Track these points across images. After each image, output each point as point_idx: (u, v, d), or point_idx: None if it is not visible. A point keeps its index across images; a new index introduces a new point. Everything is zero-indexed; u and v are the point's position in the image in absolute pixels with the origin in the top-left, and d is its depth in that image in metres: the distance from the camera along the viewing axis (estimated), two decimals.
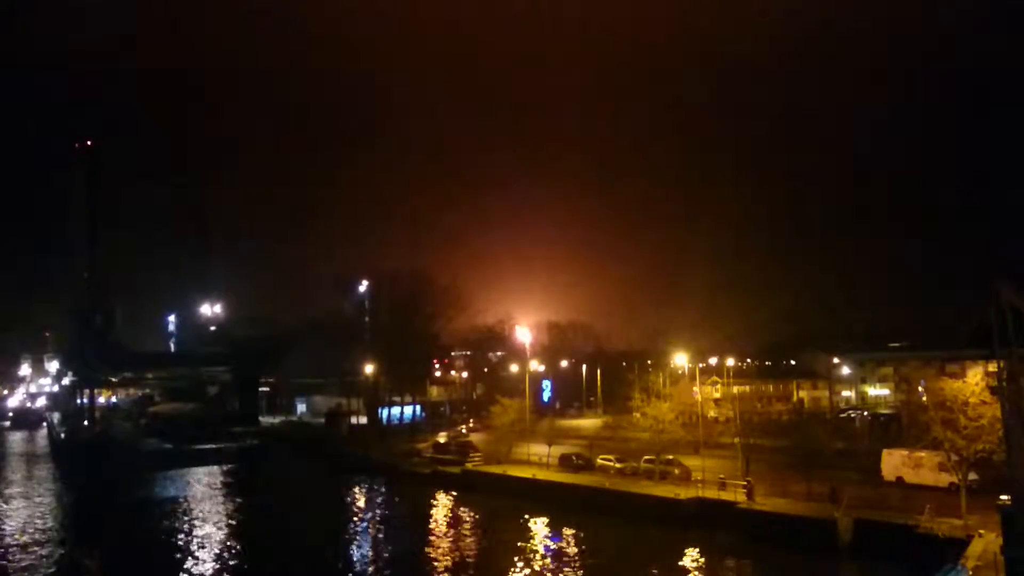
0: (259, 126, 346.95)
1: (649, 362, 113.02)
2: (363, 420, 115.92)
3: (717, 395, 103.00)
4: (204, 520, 61.95)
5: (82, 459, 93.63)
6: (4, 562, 49.34)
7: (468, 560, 47.75)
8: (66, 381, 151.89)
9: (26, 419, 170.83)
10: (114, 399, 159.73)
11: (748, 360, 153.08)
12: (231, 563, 48.44)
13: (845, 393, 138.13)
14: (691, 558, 45.82)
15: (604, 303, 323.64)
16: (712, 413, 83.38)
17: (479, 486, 68.51)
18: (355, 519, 64.47)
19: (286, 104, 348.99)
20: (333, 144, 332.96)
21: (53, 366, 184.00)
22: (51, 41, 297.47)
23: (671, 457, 62.89)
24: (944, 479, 50.20)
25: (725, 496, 52.79)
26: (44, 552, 52.02)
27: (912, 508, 44.81)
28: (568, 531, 53.46)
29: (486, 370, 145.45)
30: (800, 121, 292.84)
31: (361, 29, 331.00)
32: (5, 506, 69.78)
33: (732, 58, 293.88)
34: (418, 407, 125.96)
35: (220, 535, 56.95)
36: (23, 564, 48.71)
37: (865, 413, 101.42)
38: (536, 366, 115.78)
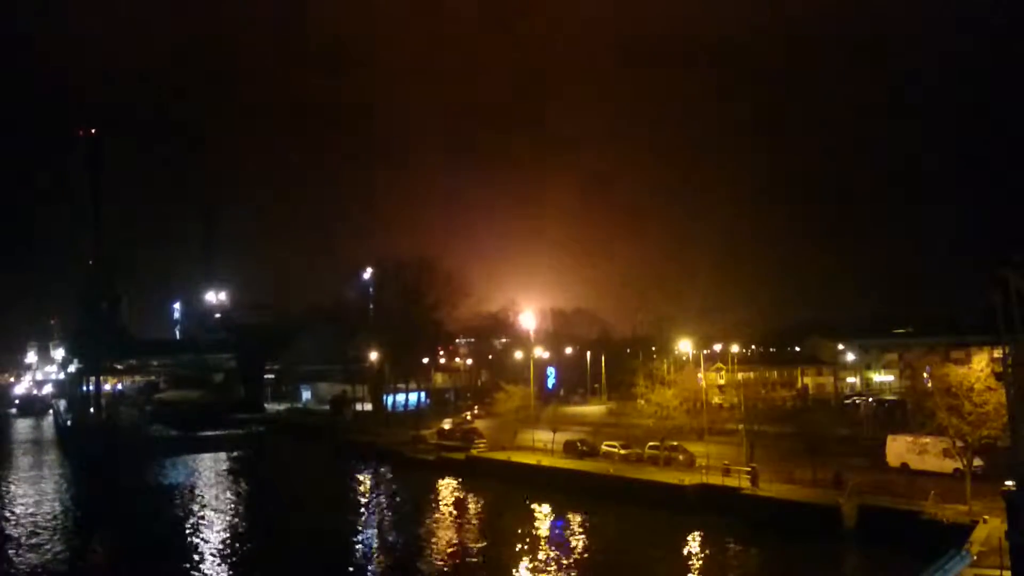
0: (262, 116, 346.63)
1: (653, 349, 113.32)
2: (368, 407, 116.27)
3: (721, 381, 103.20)
4: (209, 506, 62.20)
5: (88, 446, 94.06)
6: (13, 547, 49.63)
7: (473, 546, 47.89)
8: (72, 368, 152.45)
9: (32, 406, 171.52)
10: (120, 386, 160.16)
11: (752, 347, 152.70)
12: (237, 549, 48.67)
13: (850, 379, 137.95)
14: (695, 544, 45.90)
15: (608, 290, 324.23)
16: (716, 399, 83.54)
17: (484, 472, 68.59)
18: (360, 505, 64.69)
19: (289, 94, 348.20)
20: (337, 133, 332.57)
21: (59, 353, 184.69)
22: (53, 30, 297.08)
23: (675, 443, 62.87)
24: (949, 465, 50.06)
25: (729, 482, 52.78)
26: (51, 538, 52.33)
27: (917, 494, 44.69)
28: (572, 517, 53.58)
29: (490, 357, 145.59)
30: (803, 111, 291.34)
31: (361, 20, 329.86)
32: (13, 492, 70.17)
33: (735, 48, 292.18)
34: (423, 394, 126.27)
35: (225, 522, 57.19)
36: (31, 550, 48.97)
37: (870, 399, 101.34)
38: (540, 353, 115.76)
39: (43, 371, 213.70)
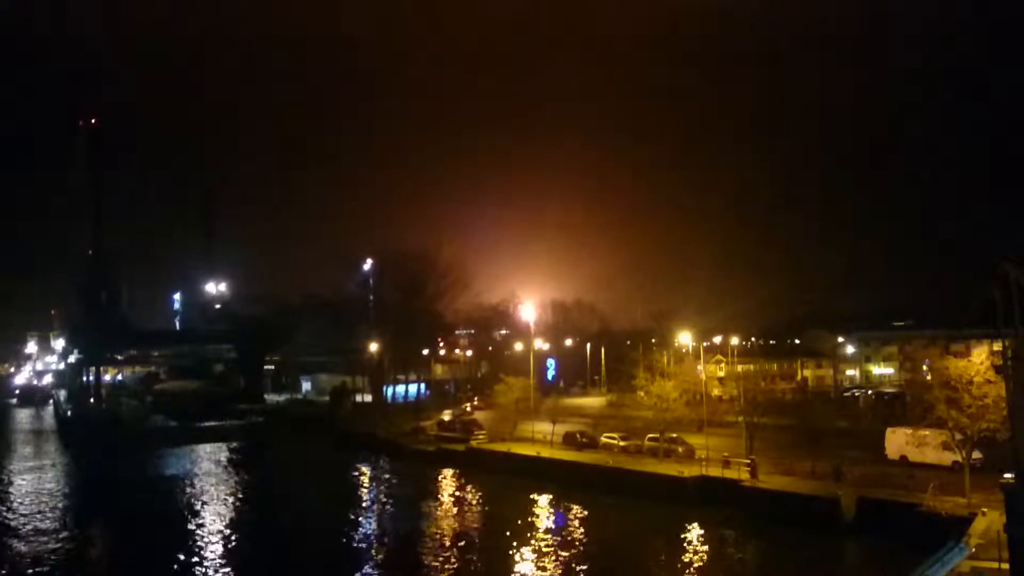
0: (262, 107, 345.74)
1: (653, 341, 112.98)
2: (368, 398, 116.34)
3: (721, 374, 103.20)
4: (209, 497, 62.37)
5: (88, 436, 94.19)
6: (13, 537, 49.79)
7: (472, 537, 48.04)
8: (72, 359, 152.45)
9: (32, 396, 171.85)
10: (120, 377, 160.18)
11: (752, 339, 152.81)
12: (236, 540, 48.76)
13: (849, 372, 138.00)
14: (694, 536, 46.04)
15: (609, 282, 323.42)
16: (716, 392, 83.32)
17: (483, 464, 68.76)
18: (360, 497, 64.83)
19: (289, 87, 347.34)
20: (337, 124, 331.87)
21: (59, 344, 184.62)
22: (51, 11, 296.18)
23: (675, 435, 63.03)
24: (948, 458, 50.23)
25: (729, 474, 52.94)
26: (52, 528, 52.46)
27: (916, 486, 44.88)
28: (572, 508, 53.69)
29: (491, 348, 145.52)
30: (802, 102, 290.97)
31: (363, 8, 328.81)
32: (13, 482, 70.32)
33: (731, 39, 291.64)
34: (423, 385, 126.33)
35: (225, 512, 57.36)
36: (31, 540, 49.12)
37: (869, 392, 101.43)
38: (540, 345, 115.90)
39: (43, 361, 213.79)
